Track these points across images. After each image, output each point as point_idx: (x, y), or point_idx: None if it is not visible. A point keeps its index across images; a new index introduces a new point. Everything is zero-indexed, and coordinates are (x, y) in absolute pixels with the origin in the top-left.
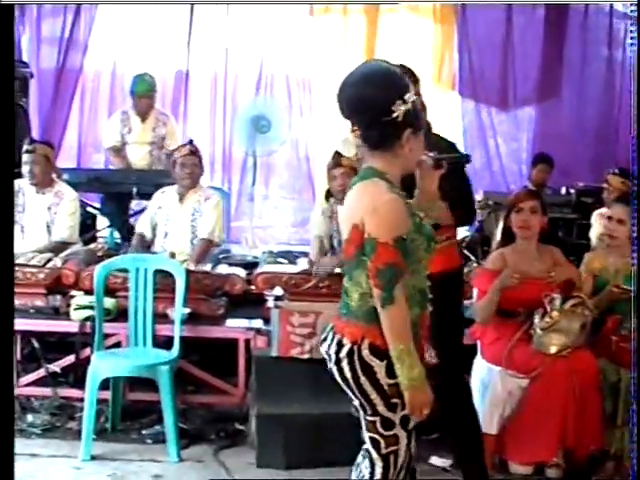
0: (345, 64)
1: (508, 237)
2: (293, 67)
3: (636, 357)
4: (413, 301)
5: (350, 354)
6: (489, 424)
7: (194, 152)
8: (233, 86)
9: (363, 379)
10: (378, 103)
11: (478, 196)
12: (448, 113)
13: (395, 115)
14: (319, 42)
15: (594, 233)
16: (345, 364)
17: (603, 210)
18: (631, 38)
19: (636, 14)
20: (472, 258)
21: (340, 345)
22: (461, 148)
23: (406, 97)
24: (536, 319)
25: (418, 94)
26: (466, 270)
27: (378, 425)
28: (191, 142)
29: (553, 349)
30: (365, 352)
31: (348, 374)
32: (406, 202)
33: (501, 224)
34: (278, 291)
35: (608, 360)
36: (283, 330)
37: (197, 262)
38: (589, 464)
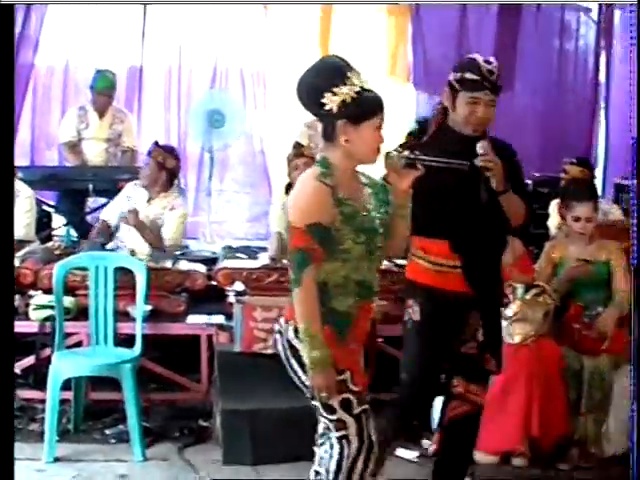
0: (299, 57)
1: None
2: (247, 61)
3: (636, 357)
4: (344, 290)
5: (281, 335)
6: None
7: (165, 158)
8: (188, 81)
9: (292, 360)
10: (311, 95)
11: None
12: (403, 105)
13: (327, 107)
14: (273, 35)
15: (552, 222)
16: (279, 345)
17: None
18: (631, 38)
19: (636, 14)
20: None
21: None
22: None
23: (337, 90)
24: None
25: (362, 87)
26: None
27: (321, 409)
28: (170, 149)
29: (517, 339)
30: (290, 333)
31: (282, 355)
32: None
33: None
34: (239, 286)
35: (571, 348)
36: (246, 325)
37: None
38: (554, 452)
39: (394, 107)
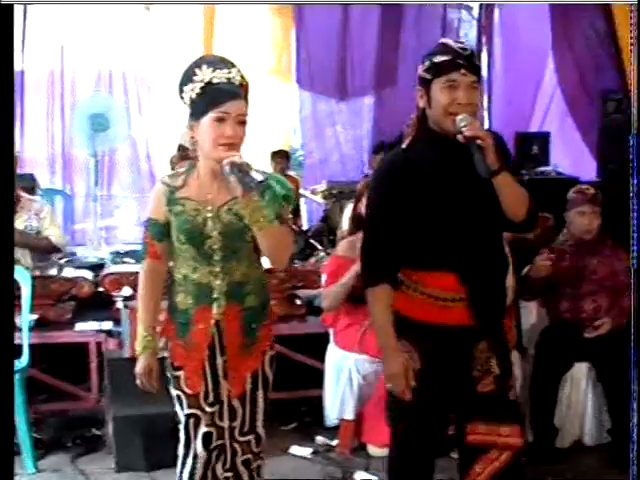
0: (183, 60)
1: (358, 224)
2: (130, 63)
3: (636, 357)
4: (184, 289)
5: None
6: (346, 409)
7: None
8: (71, 84)
9: None
10: (179, 97)
11: (322, 186)
12: (288, 104)
13: (184, 103)
14: (156, 37)
15: None
16: None
17: None
18: (631, 38)
19: (636, 14)
20: (319, 247)
21: None
22: (300, 139)
23: (185, 87)
24: None
25: (209, 81)
26: (313, 260)
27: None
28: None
29: None
30: None
31: None
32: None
33: (349, 212)
34: (127, 291)
35: None
36: (135, 330)
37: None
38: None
39: (277, 106)
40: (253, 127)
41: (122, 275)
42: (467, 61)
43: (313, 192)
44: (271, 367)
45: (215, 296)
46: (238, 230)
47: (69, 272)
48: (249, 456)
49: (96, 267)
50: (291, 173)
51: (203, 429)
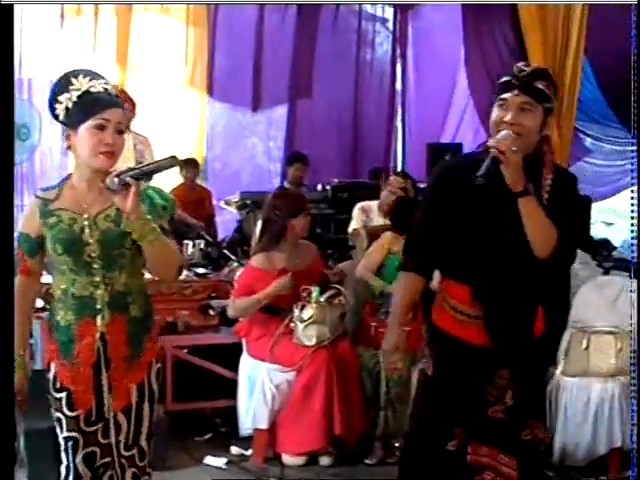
0: (97, 69)
1: (278, 239)
2: (45, 72)
3: (636, 358)
4: (64, 305)
5: None
6: (260, 419)
7: None
8: None
9: None
10: (49, 107)
11: (235, 197)
12: (201, 116)
13: (60, 117)
14: (70, 46)
15: (356, 225)
16: None
17: (364, 203)
18: (631, 37)
19: (635, 15)
20: (232, 258)
21: None
22: (215, 151)
23: (60, 97)
24: (296, 313)
25: (87, 90)
26: (227, 270)
27: None
28: None
29: (314, 341)
30: None
31: None
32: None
33: (271, 227)
34: (39, 303)
35: (367, 346)
36: (46, 342)
37: None
38: (359, 448)
39: (191, 117)
40: (167, 137)
41: None
42: (521, 82)
43: (227, 203)
44: (157, 379)
45: (98, 307)
46: (116, 237)
47: None
48: (134, 470)
49: None
50: (202, 184)
51: (84, 451)
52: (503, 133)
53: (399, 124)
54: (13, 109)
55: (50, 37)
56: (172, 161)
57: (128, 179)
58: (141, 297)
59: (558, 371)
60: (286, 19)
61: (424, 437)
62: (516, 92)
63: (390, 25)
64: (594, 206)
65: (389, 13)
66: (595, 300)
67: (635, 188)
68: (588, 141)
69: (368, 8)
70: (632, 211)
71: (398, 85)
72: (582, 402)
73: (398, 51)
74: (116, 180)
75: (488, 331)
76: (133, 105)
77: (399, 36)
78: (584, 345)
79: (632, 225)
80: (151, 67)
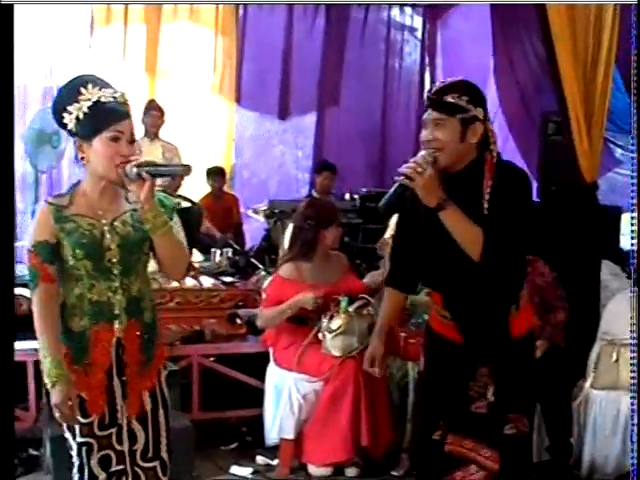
0: (126, 78)
1: (309, 249)
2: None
3: (636, 357)
4: (80, 311)
5: None
6: (286, 429)
7: None
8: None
9: None
10: (55, 117)
11: (263, 205)
12: (230, 123)
13: (69, 127)
14: (99, 55)
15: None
16: None
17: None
18: (631, 37)
19: (635, 16)
20: (260, 266)
21: None
22: (243, 159)
23: (70, 107)
24: (324, 323)
25: (98, 100)
26: (254, 279)
27: None
28: None
29: (341, 351)
30: None
31: None
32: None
33: (302, 236)
34: None
35: (396, 356)
36: None
37: None
38: (386, 459)
39: (219, 125)
40: (195, 145)
41: None
42: (430, 100)
43: (255, 211)
44: (168, 387)
45: (116, 312)
46: (136, 242)
47: None
48: None
49: None
50: (230, 191)
51: (99, 454)
52: (417, 156)
53: None
54: (13, 111)
55: (80, 45)
56: (184, 169)
57: (144, 174)
58: (151, 303)
59: (587, 384)
60: (315, 28)
61: (417, 430)
62: (429, 111)
63: (419, 34)
64: (624, 217)
65: (418, 22)
66: (625, 312)
67: (635, 194)
68: (618, 152)
69: (397, 17)
70: (632, 211)
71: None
72: (611, 415)
73: (427, 60)
74: (134, 170)
75: (461, 332)
76: (162, 113)
77: (428, 45)
78: (614, 358)
79: (632, 226)
80: (180, 75)
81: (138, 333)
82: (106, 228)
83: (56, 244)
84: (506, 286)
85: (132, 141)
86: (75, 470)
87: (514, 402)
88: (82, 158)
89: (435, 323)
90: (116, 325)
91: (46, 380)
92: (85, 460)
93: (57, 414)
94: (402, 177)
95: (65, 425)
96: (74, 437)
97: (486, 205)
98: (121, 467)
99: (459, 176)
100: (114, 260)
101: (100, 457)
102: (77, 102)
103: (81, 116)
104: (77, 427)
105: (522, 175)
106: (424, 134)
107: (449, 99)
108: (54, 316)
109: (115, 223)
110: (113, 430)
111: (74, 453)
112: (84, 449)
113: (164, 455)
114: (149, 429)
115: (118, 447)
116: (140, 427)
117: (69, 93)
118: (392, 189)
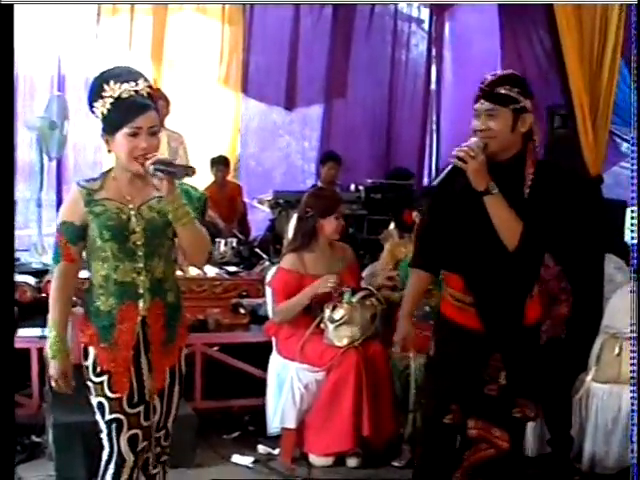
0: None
1: (309, 239)
2: (80, 70)
3: (636, 358)
4: (106, 291)
5: None
6: (288, 418)
7: None
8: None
9: None
10: (91, 112)
11: (268, 195)
12: (236, 114)
13: (98, 118)
14: (105, 44)
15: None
16: None
17: None
18: (631, 37)
19: (635, 16)
20: (264, 256)
21: None
22: (249, 149)
23: (95, 104)
24: (327, 313)
25: (119, 96)
26: (258, 269)
27: None
28: None
29: (344, 341)
30: None
31: None
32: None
33: (303, 226)
34: None
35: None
36: (77, 337)
37: None
38: (387, 449)
39: (225, 115)
40: (201, 135)
41: None
42: (483, 91)
43: (260, 201)
44: (184, 364)
45: (140, 292)
46: (160, 226)
47: None
48: (159, 449)
49: (39, 273)
50: (234, 180)
51: (128, 433)
52: (470, 141)
53: (433, 125)
54: (13, 108)
55: (86, 35)
56: (187, 170)
57: (158, 173)
58: (175, 285)
59: (589, 378)
60: (321, 19)
61: (426, 412)
62: (482, 101)
63: (426, 26)
64: (629, 211)
65: (425, 14)
66: (628, 306)
67: (635, 188)
68: (624, 146)
69: (404, 9)
70: (632, 211)
71: (433, 86)
72: (613, 409)
73: (434, 52)
74: (151, 167)
75: (480, 316)
76: (167, 102)
77: (435, 37)
78: (616, 351)
79: (632, 225)
80: (186, 65)
81: (160, 312)
82: (132, 212)
83: (82, 226)
84: (528, 274)
85: (154, 133)
86: (105, 452)
87: (523, 387)
88: (109, 150)
89: (448, 308)
90: (140, 304)
91: (47, 350)
92: (115, 440)
93: (53, 383)
94: (456, 159)
95: (95, 405)
96: (103, 415)
97: (527, 191)
98: (145, 443)
99: (504, 165)
100: (138, 243)
101: (129, 437)
102: (102, 98)
103: (105, 113)
104: (106, 405)
105: (563, 170)
106: (476, 124)
107: (502, 90)
108: (67, 294)
109: (142, 208)
110: (141, 408)
111: (104, 435)
112: (114, 426)
113: (169, 425)
114: (164, 403)
115: (145, 423)
116: (159, 401)
117: (94, 90)
118: (445, 170)
